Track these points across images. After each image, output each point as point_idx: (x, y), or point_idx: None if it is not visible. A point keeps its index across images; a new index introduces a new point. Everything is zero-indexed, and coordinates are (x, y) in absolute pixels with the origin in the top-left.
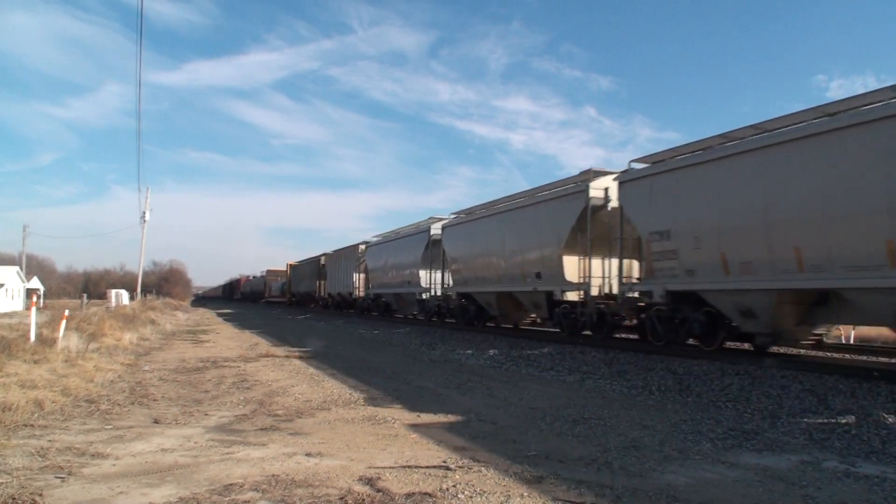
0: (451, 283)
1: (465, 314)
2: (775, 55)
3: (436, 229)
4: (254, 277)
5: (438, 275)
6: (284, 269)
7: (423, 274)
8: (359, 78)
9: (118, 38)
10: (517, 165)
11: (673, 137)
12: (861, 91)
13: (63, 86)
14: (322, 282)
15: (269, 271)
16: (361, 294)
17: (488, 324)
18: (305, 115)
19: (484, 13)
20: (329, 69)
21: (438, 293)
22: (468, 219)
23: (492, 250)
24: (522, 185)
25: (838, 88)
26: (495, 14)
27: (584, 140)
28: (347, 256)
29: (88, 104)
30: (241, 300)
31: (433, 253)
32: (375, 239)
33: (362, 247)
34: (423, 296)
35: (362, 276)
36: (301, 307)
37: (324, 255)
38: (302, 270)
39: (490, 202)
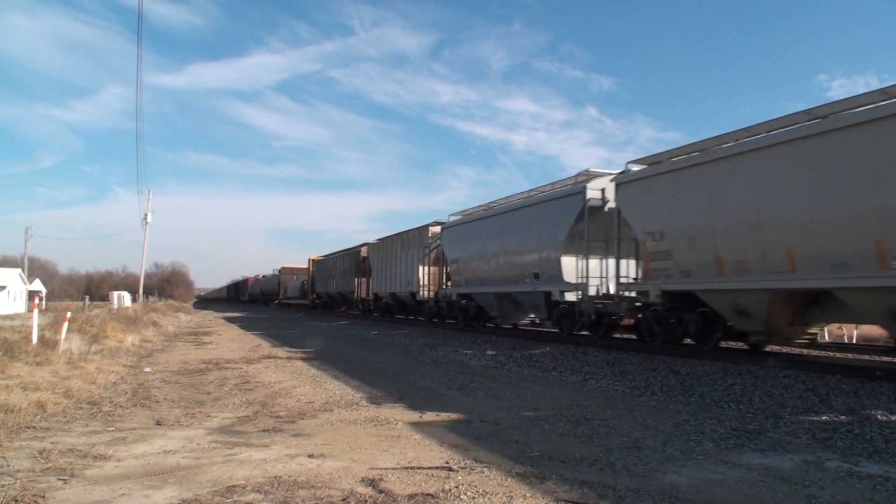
0: (639, 274)
1: (674, 329)
2: (776, 55)
3: (595, 190)
4: (263, 277)
5: (596, 263)
6: (303, 266)
7: (566, 262)
8: (360, 79)
9: (119, 40)
10: (519, 166)
11: (675, 138)
12: (864, 91)
13: (64, 88)
14: (363, 279)
15: (284, 269)
16: (430, 294)
17: (726, 343)
18: (307, 117)
19: (485, 14)
20: (330, 71)
21: (595, 292)
22: (687, 164)
23: (771, 216)
24: (524, 186)
25: (840, 88)
26: (496, 15)
27: (586, 140)
28: (408, 244)
29: (90, 106)
30: (250, 302)
31: (590, 228)
32: (455, 218)
33: (435, 229)
34: (567, 296)
35: (432, 269)
36: (328, 311)
37: (365, 245)
38: (331, 266)
39: (737, 131)
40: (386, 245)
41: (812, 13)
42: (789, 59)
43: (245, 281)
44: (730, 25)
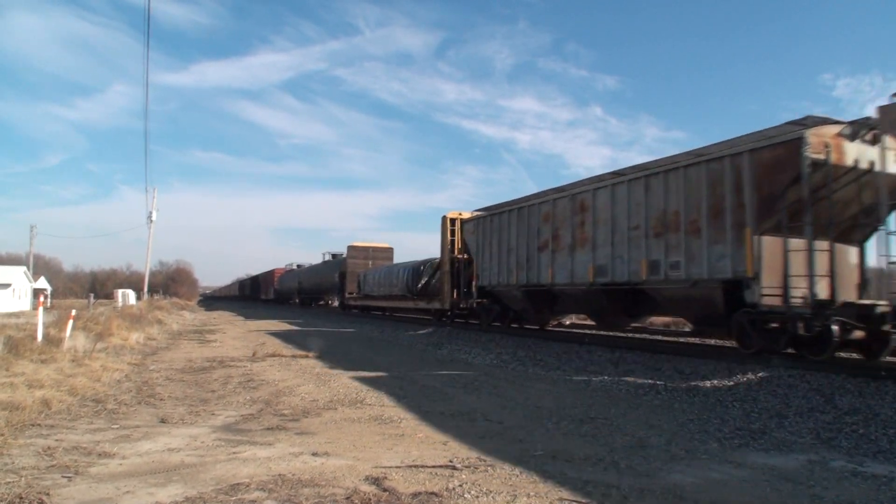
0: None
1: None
2: (781, 54)
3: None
4: (299, 266)
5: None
6: (384, 245)
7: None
8: (365, 78)
9: (125, 39)
10: (523, 165)
11: (679, 137)
12: (868, 89)
13: (70, 87)
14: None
15: (353, 248)
16: None
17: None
18: (312, 116)
19: (490, 13)
20: (336, 70)
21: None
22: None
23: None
24: (530, 186)
25: (845, 87)
26: (501, 14)
27: (591, 139)
28: None
29: (96, 105)
30: (276, 302)
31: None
32: None
33: None
34: None
35: None
36: (511, 329)
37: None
38: (549, 218)
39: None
40: None
41: (815, 12)
42: (793, 58)
43: (269, 273)
44: (733, 24)
